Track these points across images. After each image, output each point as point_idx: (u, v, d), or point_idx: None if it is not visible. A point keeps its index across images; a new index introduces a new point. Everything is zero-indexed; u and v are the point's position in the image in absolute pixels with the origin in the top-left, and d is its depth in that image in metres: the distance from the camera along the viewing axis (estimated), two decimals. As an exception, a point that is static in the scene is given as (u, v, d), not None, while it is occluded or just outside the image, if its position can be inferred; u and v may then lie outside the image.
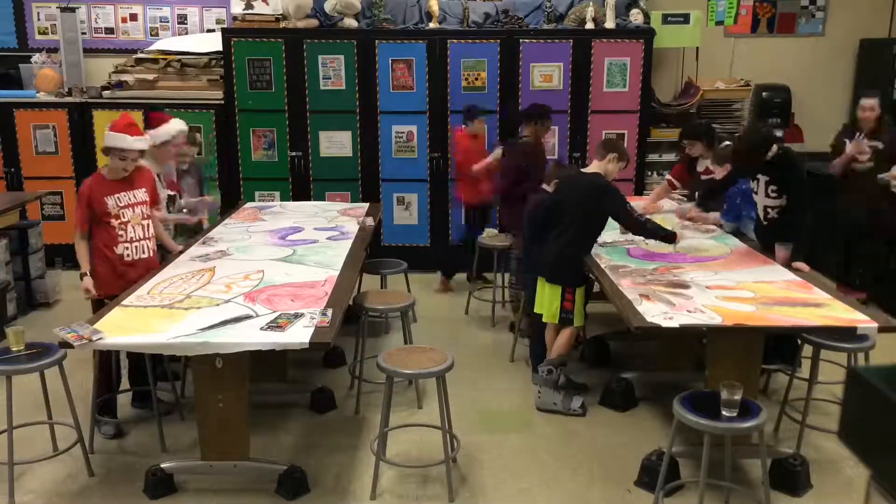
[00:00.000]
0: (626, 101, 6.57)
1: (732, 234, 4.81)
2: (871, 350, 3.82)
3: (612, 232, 4.48)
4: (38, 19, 7.20)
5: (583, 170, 4.40)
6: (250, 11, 6.61)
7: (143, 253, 4.02)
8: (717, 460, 3.33)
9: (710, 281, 3.85)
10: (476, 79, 6.57)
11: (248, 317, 3.34)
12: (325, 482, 3.58)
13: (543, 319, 4.32)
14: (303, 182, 6.77)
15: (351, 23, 6.63)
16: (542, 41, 6.55)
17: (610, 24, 6.59)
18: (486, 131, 6.28)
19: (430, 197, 6.80)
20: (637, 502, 3.46)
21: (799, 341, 4.01)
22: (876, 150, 5.45)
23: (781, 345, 4.32)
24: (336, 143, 6.72)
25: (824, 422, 3.99)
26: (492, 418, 4.21)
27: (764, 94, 6.85)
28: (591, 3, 6.60)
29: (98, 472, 3.66)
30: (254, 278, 3.89)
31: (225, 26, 6.89)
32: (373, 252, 5.60)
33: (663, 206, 5.40)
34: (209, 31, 7.16)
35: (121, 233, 3.92)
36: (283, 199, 6.65)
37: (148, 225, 4.06)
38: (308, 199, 6.65)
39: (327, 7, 6.65)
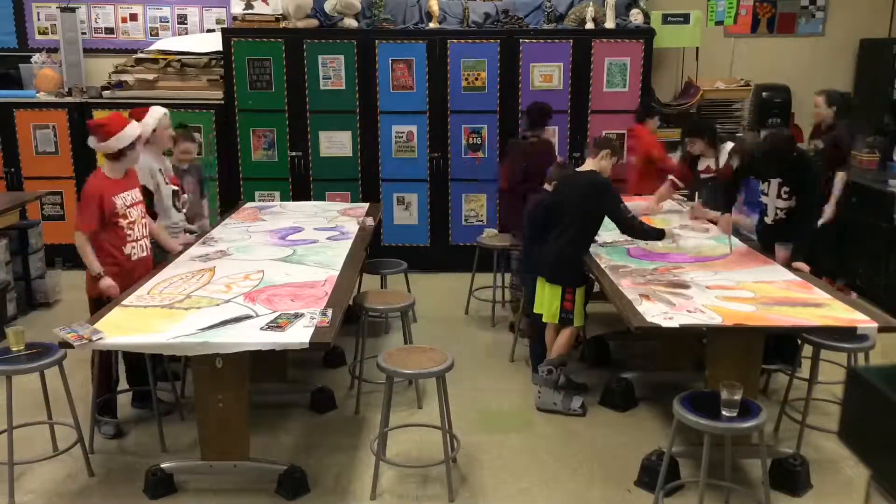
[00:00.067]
0: (626, 101, 6.57)
1: (732, 234, 4.81)
2: (871, 350, 3.83)
3: (612, 232, 4.48)
4: (38, 19, 7.19)
5: (578, 169, 4.41)
6: (250, 11, 6.61)
7: (143, 252, 4.04)
8: (717, 460, 3.33)
9: (710, 281, 3.86)
10: (476, 79, 6.57)
11: (248, 317, 3.34)
12: (325, 482, 3.59)
13: (543, 319, 4.32)
14: (303, 182, 6.77)
15: (351, 23, 6.63)
16: (542, 41, 6.55)
17: (610, 24, 6.59)
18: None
19: (430, 197, 6.80)
20: (637, 502, 3.46)
21: (799, 341, 4.01)
22: (817, 148, 5.44)
23: (781, 345, 4.32)
24: (336, 143, 6.72)
25: (824, 422, 3.99)
26: (492, 418, 4.22)
27: (764, 94, 6.84)
28: (591, 3, 6.60)
29: (98, 472, 3.66)
30: (254, 278, 3.89)
31: (225, 26, 6.88)
32: (373, 252, 5.60)
33: (663, 207, 5.40)
34: (209, 31, 7.16)
35: (129, 232, 3.93)
36: (283, 199, 6.65)
37: (146, 224, 4.08)
38: (308, 199, 6.65)
39: (327, 7, 6.65)
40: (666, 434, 3.59)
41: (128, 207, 3.92)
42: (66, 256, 6.54)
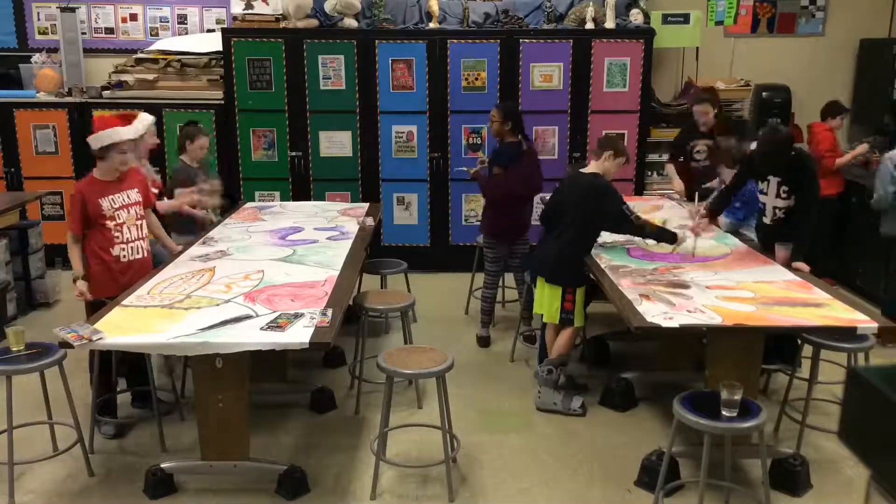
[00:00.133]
0: (626, 101, 6.57)
1: (732, 233, 4.81)
2: (871, 350, 3.83)
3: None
4: (38, 19, 7.19)
5: (581, 170, 4.39)
6: (250, 11, 6.61)
7: (138, 254, 4.02)
8: (717, 460, 3.33)
9: (710, 281, 3.86)
10: (476, 79, 6.57)
11: (248, 317, 3.34)
12: (325, 482, 3.59)
13: (544, 320, 4.32)
14: (303, 182, 6.77)
15: (351, 23, 6.63)
16: (542, 41, 6.54)
17: (610, 24, 6.59)
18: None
19: (430, 197, 6.80)
20: (637, 502, 3.46)
21: (799, 341, 4.01)
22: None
23: (781, 345, 4.32)
24: (336, 143, 6.72)
25: (824, 422, 3.99)
26: (492, 418, 4.21)
27: (764, 94, 6.84)
28: (591, 3, 6.60)
29: (98, 472, 3.66)
30: (254, 278, 3.89)
31: (225, 26, 6.88)
32: (373, 252, 5.60)
33: (663, 206, 5.40)
34: (209, 31, 7.16)
35: (116, 234, 3.91)
36: (283, 199, 6.65)
37: (142, 225, 4.06)
38: (308, 199, 6.65)
39: (327, 7, 6.65)
40: (666, 434, 3.59)
41: (116, 209, 3.90)
42: (65, 256, 6.47)
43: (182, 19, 7.21)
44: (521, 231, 5.17)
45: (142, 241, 4.04)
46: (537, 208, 5.07)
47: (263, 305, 3.48)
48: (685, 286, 3.78)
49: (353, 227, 5.00)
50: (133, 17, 7.20)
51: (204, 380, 3.33)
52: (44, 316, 5.75)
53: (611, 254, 4.37)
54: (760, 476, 3.28)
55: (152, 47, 6.89)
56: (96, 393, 3.88)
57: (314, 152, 6.73)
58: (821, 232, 5.16)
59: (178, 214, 4.76)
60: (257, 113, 6.66)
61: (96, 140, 3.87)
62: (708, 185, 5.12)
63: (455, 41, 6.53)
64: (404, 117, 6.65)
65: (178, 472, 3.52)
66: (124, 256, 3.94)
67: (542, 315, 4.35)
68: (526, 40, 6.52)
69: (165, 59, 6.75)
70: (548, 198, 4.58)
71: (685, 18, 6.64)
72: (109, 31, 7.22)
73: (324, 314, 3.33)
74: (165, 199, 4.72)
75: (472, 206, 6.77)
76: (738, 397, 2.98)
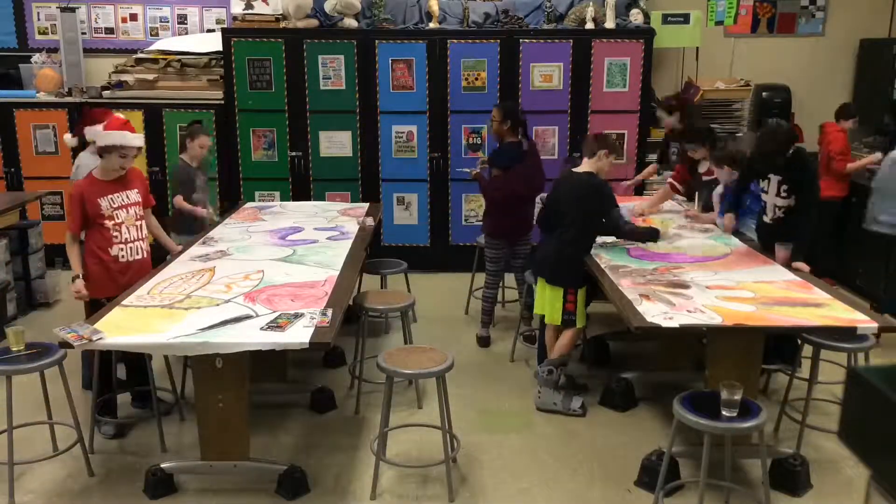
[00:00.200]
0: (626, 101, 6.57)
1: (732, 233, 4.81)
2: (871, 350, 3.83)
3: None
4: (38, 19, 7.19)
5: (574, 170, 4.34)
6: (250, 11, 6.61)
7: (137, 254, 4.01)
8: (717, 460, 3.33)
9: (710, 281, 3.85)
10: (476, 79, 6.57)
11: (248, 317, 3.34)
12: (325, 482, 3.59)
13: (545, 321, 4.32)
14: (303, 182, 6.77)
15: (351, 23, 6.63)
16: (542, 41, 6.54)
17: (610, 24, 6.59)
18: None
19: (430, 197, 6.80)
20: (637, 502, 3.46)
21: (799, 341, 4.01)
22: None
23: (781, 345, 4.32)
24: (336, 143, 6.72)
25: (824, 422, 3.99)
26: (492, 418, 4.21)
27: (764, 94, 6.85)
28: (591, 3, 6.60)
29: (98, 472, 3.66)
30: (254, 278, 3.89)
31: (225, 26, 6.88)
32: (373, 252, 5.60)
33: (664, 207, 5.40)
34: (209, 31, 7.16)
35: (115, 234, 3.91)
36: (283, 199, 6.65)
37: (141, 226, 4.04)
38: (308, 199, 6.65)
39: (327, 7, 6.65)
40: (666, 434, 3.59)
41: (115, 209, 3.90)
42: (65, 256, 6.47)
43: (182, 19, 7.21)
44: (524, 231, 5.17)
45: (141, 242, 4.03)
46: (538, 208, 5.07)
47: (263, 305, 3.48)
48: (685, 286, 3.78)
49: (353, 227, 5.00)
50: (133, 17, 7.20)
51: (204, 380, 3.33)
52: (44, 316, 5.75)
53: (611, 254, 4.37)
54: (760, 476, 3.28)
55: (152, 47, 6.90)
56: (96, 393, 3.88)
57: (314, 152, 6.73)
58: (821, 232, 5.17)
59: (178, 213, 4.81)
60: (257, 113, 6.66)
61: (104, 137, 3.85)
62: (707, 178, 5.15)
63: (455, 41, 6.53)
64: (404, 117, 6.65)
65: (178, 472, 3.52)
66: (123, 257, 3.94)
67: (542, 315, 4.35)
68: (526, 40, 6.52)
69: (165, 59, 6.75)
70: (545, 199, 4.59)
71: (685, 18, 6.64)
72: (109, 31, 7.22)
73: (324, 314, 3.33)
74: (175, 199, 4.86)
75: (472, 206, 6.77)
76: (738, 397, 2.98)
